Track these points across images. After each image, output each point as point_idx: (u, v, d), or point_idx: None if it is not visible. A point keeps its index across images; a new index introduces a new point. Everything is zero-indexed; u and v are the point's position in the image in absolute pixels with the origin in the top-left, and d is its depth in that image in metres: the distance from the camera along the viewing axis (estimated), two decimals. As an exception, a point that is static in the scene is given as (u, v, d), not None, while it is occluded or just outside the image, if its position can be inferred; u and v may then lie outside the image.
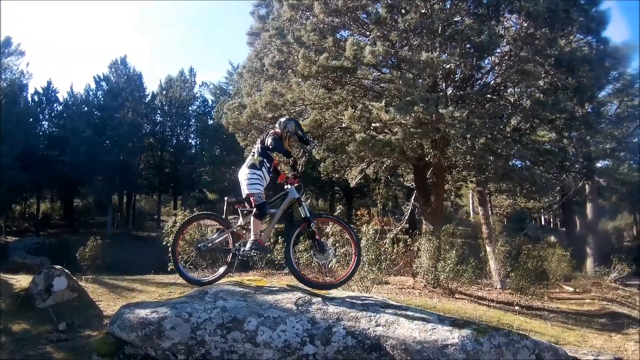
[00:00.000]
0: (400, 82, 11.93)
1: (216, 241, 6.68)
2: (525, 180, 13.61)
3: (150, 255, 21.54)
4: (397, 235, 13.14)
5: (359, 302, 5.70)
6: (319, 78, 12.71)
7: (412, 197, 16.61)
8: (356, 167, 16.23)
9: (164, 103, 46.16)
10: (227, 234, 6.61)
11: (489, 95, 13.71)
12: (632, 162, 28.61)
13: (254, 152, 6.69)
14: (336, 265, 8.49)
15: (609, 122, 23.89)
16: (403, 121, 11.58)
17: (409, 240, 13.09)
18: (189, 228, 8.51)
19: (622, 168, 26.33)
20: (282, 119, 6.97)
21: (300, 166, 15.69)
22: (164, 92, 46.19)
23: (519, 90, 14.16)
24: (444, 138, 13.03)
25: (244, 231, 6.59)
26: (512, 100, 14.35)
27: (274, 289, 6.05)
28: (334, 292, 6.13)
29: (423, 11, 12.63)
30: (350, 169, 16.41)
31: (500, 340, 5.23)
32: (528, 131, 14.75)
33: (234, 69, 42.69)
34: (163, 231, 12.11)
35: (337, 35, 13.91)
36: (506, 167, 13.60)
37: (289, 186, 6.59)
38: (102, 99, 41.88)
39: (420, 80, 12.07)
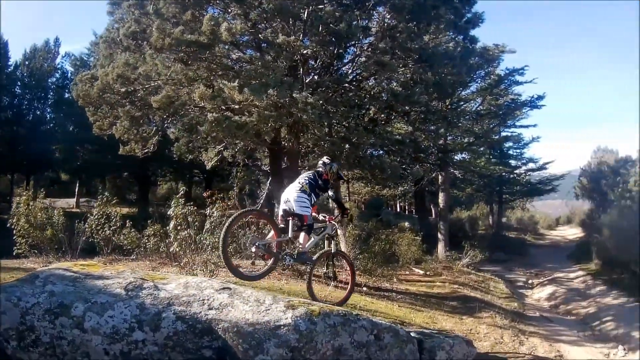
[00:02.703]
0: (259, 63, 11.87)
1: (270, 243, 7.46)
2: (376, 167, 13.98)
3: (-1, 238, 20.14)
4: (252, 219, 12.99)
5: (194, 286, 5.60)
6: (173, 51, 12.29)
7: (268, 181, 16.55)
8: (212, 148, 15.93)
9: (25, 74, 43.14)
10: (277, 241, 7.45)
11: (346, 85, 13.94)
12: (490, 157, 30.53)
13: (305, 182, 7.66)
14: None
15: (471, 118, 25.30)
16: (257, 103, 11.51)
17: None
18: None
19: (479, 161, 28.00)
20: (326, 160, 8.18)
21: (154, 146, 15.45)
22: (26, 63, 43.25)
23: (377, 81, 14.51)
24: (298, 123, 13.08)
25: (291, 241, 7.58)
26: (370, 91, 14.72)
27: (106, 273, 5.85)
28: (170, 277, 6.00)
29: (286, -8, 12.52)
30: (207, 150, 16.07)
31: (336, 320, 5.37)
32: (383, 122, 15.19)
33: (98, 39, 40.74)
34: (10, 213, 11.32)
35: (202, 10, 13.41)
36: (358, 154, 13.95)
37: (328, 223, 8.21)
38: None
39: (278, 63, 12.00)
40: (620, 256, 19.24)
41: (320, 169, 8.00)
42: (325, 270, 8.59)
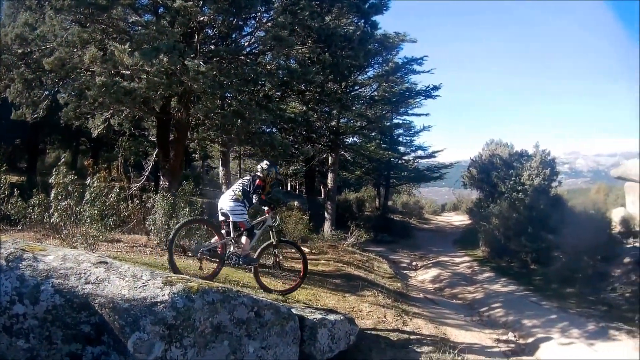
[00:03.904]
0: (154, 27, 11.44)
1: (214, 247, 8.07)
2: (266, 144, 14.02)
3: None
4: (135, 191, 12.51)
5: (71, 258, 5.29)
6: (72, 12, 11.67)
7: (155, 153, 15.99)
8: (100, 115, 15.23)
9: None
10: (221, 243, 8.02)
11: (242, 57, 13.66)
12: (380, 142, 31.01)
13: (239, 189, 8.15)
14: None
15: (365, 102, 25.54)
16: (147, 68, 11.11)
17: (144, 197, 12.52)
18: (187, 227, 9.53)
19: (369, 145, 28.43)
20: (264, 165, 8.53)
21: (44, 111, 14.61)
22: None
23: (274, 56, 14.34)
24: (189, 93, 12.79)
25: (234, 243, 8.15)
26: (266, 66, 14.50)
27: (-11, 245, 5.44)
28: (49, 249, 5.63)
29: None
30: (94, 117, 15.35)
31: (215, 297, 5.27)
32: (278, 99, 15.07)
33: (9, -2, 37.69)
34: None
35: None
36: (250, 130, 13.84)
37: (267, 215, 8.47)
38: None
39: (173, 29, 11.58)
40: (509, 245, 20.07)
41: (259, 174, 8.43)
42: (272, 261, 9.37)
